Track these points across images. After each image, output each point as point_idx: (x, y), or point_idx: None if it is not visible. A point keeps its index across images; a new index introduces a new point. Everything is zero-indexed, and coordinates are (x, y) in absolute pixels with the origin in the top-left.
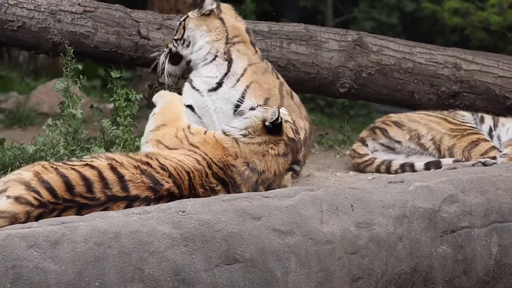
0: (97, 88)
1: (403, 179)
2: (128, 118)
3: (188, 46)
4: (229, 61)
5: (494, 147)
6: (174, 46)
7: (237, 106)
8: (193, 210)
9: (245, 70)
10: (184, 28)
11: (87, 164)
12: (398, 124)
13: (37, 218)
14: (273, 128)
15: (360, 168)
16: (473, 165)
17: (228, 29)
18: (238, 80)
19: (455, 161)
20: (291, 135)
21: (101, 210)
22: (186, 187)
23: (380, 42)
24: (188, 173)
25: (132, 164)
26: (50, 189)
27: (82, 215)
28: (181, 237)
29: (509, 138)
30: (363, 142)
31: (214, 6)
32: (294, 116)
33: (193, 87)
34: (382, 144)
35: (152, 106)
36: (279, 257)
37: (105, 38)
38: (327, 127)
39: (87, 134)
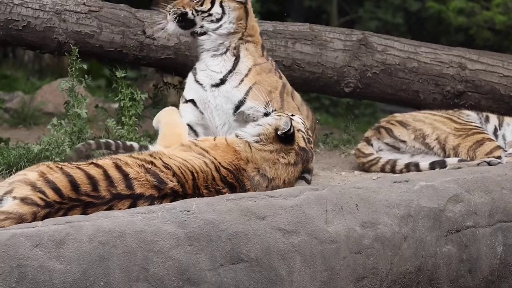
0: (102, 87)
1: (408, 178)
2: (133, 117)
3: (212, 21)
4: (237, 58)
5: (499, 147)
6: (192, 14)
7: (238, 107)
8: (198, 210)
9: (249, 70)
10: (213, 2)
11: (92, 163)
12: (403, 124)
13: (44, 218)
14: (285, 138)
15: (365, 168)
16: (478, 164)
17: (248, 26)
18: (241, 81)
19: (460, 161)
20: (302, 144)
21: (106, 209)
22: (190, 186)
23: (385, 42)
24: (192, 172)
25: (136, 163)
26: (56, 189)
27: (88, 213)
28: (186, 236)
29: None
30: (368, 141)
31: None
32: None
33: (197, 81)
34: (387, 144)
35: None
36: (284, 257)
37: (110, 37)
38: (332, 127)
39: (92, 133)
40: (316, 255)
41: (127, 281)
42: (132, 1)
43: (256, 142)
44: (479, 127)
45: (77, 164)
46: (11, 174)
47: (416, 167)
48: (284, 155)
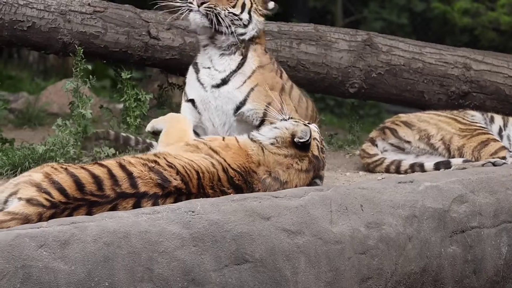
0: (106, 88)
1: (412, 179)
2: (138, 118)
3: (239, 26)
4: (244, 57)
5: (504, 147)
6: (225, 14)
7: (239, 107)
8: (203, 210)
9: (253, 72)
10: (243, 8)
11: (96, 163)
12: (407, 124)
13: (49, 219)
14: (301, 145)
15: (369, 168)
16: (482, 165)
17: (259, 29)
18: (244, 82)
19: (464, 161)
20: (316, 152)
21: (111, 207)
22: (194, 185)
23: (390, 42)
24: (197, 172)
25: (140, 162)
26: (61, 190)
27: (93, 213)
28: (190, 237)
29: None
30: (373, 142)
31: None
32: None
33: (199, 80)
34: (391, 144)
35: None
36: (288, 257)
37: (115, 38)
38: (337, 127)
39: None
40: (321, 255)
41: (131, 282)
42: (137, 1)
43: (272, 144)
44: (484, 128)
45: (81, 165)
46: (16, 175)
47: (421, 167)
48: (298, 161)
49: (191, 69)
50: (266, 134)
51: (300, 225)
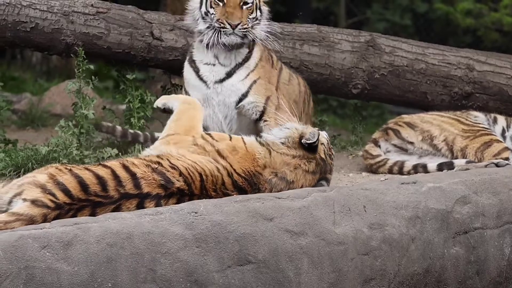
0: (109, 89)
1: (415, 180)
2: (141, 119)
3: (257, 25)
4: (250, 51)
5: (507, 148)
6: (252, 27)
7: (240, 100)
8: (206, 211)
9: (256, 65)
10: (256, 6)
11: (100, 164)
12: (410, 125)
13: (53, 220)
14: (308, 147)
15: (372, 169)
16: (486, 166)
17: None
18: (248, 75)
19: (467, 162)
20: (322, 156)
21: (114, 208)
22: (197, 186)
23: (393, 43)
24: (200, 174)
25: (143, 163)
26: (66, 191)
27: (96, 213)
28: (193, 238)
29: None
30: (376, 143)
31: None
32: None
33: (200, 78)
34: (394, 145)
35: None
36: (291, 258)
37: (118, 39)
38: (340, 128)
39: (100, 135)
40: (324, 256)
41: (134, 283)
42: (140, 2)
43: (283, 144)
44: (487, 129)
45: (85, 166)
46: (19, 176)
47: (424, 168)
48: (306, 162)
49: (188, 68)
50: (276, 134)
51: (303, 226)
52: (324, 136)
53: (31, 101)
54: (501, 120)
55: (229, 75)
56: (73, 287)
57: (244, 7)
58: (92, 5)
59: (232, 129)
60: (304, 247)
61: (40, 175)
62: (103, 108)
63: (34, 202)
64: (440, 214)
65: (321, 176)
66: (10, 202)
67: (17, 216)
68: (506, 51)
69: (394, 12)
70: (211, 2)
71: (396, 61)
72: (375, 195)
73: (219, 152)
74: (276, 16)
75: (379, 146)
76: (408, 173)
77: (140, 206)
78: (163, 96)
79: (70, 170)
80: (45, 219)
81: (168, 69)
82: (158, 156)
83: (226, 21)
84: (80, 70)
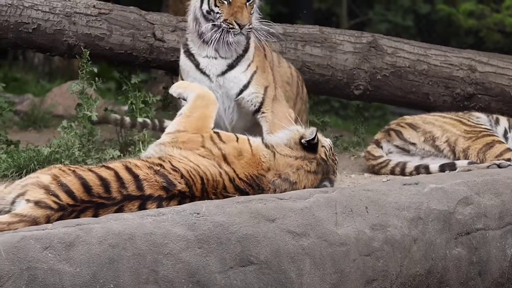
0: (112, 90)
1: (417, 181)
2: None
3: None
4: (247, 42)
5: (509, 149)
6: (254, 26)
7: (242, 90)
8: (208, 212)
9: (253, 55)
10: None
11: (103, 166)
12: (412, 126)
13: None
14: (308, 146)
15: (374, 170)
16: (488, 167)
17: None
18: (248, 66)
19: (470, 163)
20: (323, 156)
21: (117, 209)
22: (198, 189)
23: (395, 44)
24: (202, 178)
25: (145, 165)
26: (69, 192)
27: (99, 214)
28: (195, 239)
29: None
30: (378, 144)
31: None
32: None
33: (202, 71)
34: (396, 146)
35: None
36: (293, 259)
37: (120, 40)
38: (342, 129)
39: (102, 136)
40: (326, 257)
41: (136, 284)
42: (142, 3)
43: (285, 145)
44: (489, 130)
45: (89, 167)
46: (21, 177)
47: (426, 169)
48: (308, 163)
49: (186, 60)
50: (280, 136)
51: (305, 227)
52: (326, 140)
53: (33, 102)
54: (503, 121)
55: (231, 67)
56: None
57: (247, 3)
58: (94, 6)
59: (233, 120)
60: (306, 248)
61: (44, 176)
62: (105, 109)
63: (37, 203)
64: (442, 215)
65: (324, 176)
66: (13, 203)
67: (21, 217)
68: (508, 52)
69: (396, 13)
70: (215, 0)
71: (398, 62)
72: (377, 196)
73: (224, 157)
74: (278, 17)
75: (381, 147)
76: (410, 174)
77: (142, 207)
78: (179, 84)
79: (74, 171)
80: (48, 221)
81: (170, 70)
82: (160, 158)
83: (235, 22)
84: (84, 71)
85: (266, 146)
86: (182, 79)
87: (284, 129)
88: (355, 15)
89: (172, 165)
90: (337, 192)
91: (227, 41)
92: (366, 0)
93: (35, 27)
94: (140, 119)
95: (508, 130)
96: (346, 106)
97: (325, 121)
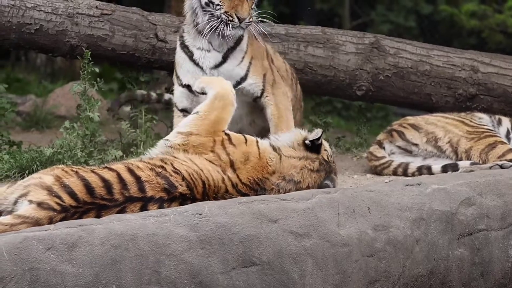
0: (114, 91)
1: (420, 181)
2: (148, 122)
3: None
4: (242, 34)
5: (511, 150)
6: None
7: (239, 83)
8: (210, 213)
9: (247, 45)
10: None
11: (105, 167)
12: (415, 127)
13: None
14: (312, 147)
15: (377, 171)
16: (490, 167)
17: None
18: (243, 58)
19: (472, 164)
20: (325, 158)
21: (119, 211)
22: (199, 191)
23: (397, 45)
24: (203, 182)
25: (147, 167)
26: (72, 193)
27: (101, 216)
28: (198, 239)
29: None
30: (380, 144)
31: None
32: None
33: (195, 62)
34: (399, 147)
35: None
36: (296, 260)
37: (122, 41)
38: (344, 130)
39: (104, 137)
40: (328, 258)
41: (139, 284)
42: (144, 4)
43: (290, 147)
44: (492, 130)
45: (91, 168)
46: (23, 177)
47: (428, 170)
48: (311, 162)
49: (181, 53)
50: (284, 138)
51: (308, 227)
52: (327, 145)
53: (35, 103)
54: (506, 121)
55: (224, 59)
56: None
57: None
58: (96, 7)
59: None
60: (308, 248)
61: (46, 177)
62: (107, 110)
63: (40, 204)
64: (445, 215)
65: (326, 175)
66: (15, 203)
67: (23, 219)
68: (510, 53)
69: (399, 13)
70: None
71: (400, 62)
72: (380, 196)
73: (232, 163)
74: (280, 18)
75: (384, 148)
76: (413, 174)
77: (143, 209)
78: (203, 78)
79: (76, 172)
80: (50, 222)
81: (172, 71)
82: (162, 160)
83: (236, 15)
84: (86, 72)
85: (274, 148)
86: (176, 72)
87: (288, 131)
88: (357, 16)
89: (173, 167)
90: (340, 192)
91: (224, 33)
92: (368, 0)
93: (37, 27)
94: (166, 96)
95: (510, 130)
96: (349, 107)
97: (328, 122)
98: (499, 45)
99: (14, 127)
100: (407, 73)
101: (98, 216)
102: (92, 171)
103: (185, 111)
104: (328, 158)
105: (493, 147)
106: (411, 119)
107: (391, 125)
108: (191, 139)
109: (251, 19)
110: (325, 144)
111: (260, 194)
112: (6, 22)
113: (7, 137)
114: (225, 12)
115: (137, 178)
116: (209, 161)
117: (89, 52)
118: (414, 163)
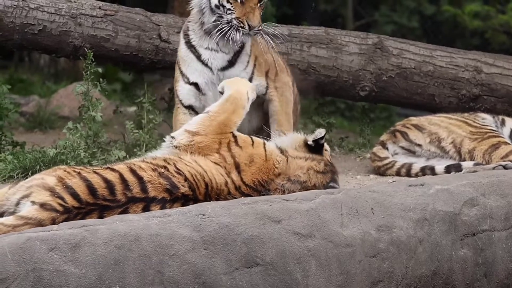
0: (117, 91)
1: (423, 182)
2: (150, 122)
3: None
4: None
5: None
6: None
7: None
8: (214, 213)
9: (251, 47)
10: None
11: (108, 168)
12: (418, 127)
13: None
14: (315, 147)
15: (380, 171)
16: (493, 168)
17: None
18: (248, 62)
19: (475, 164)
20: (328, 158)
21: (121, 211)
22: (201, 192)
23: (401, 46)
24: (206, 183)
25: (149, 167)
26: (74, 194)
27: (104, 217)
28: (201, 240)
29: None
30: (384, 145)
31: None
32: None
33: (203, 62)
34: (402, 147)
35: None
36: (299, 260)
37: (125, 41)
38: (347, 130)
39: (107, 137)
40: (332, 258)
41: (142, 285)
42: (147, 5)
43: (294, 149)
44: (495, 131)
45: (93, 169)
46: (26, 178)
47: (432, 170)
48: (317, 163)
49: (187, 51)
50: (288, 140)
51: (311, 228)
52: (328, 148)
53: (39, 104)
54: (509, 122)
55: (231, 63)
56: None
57: (259, 4)
58: (99, 8)
59: None
60: (312, 249)
61: (49, 178)
62: (114, 111)
63: (43, 205)
64: (448, 216)
65: (332, 177)
66: (17, 204)
67: (26, 220)
68: None
69: (402, 14)
70: None
71: (403, 63)
72: (383, 197)
73: (237, 165)
74: (283, 19)
75: (387, 148)
76: (416, 175)
77: (146, 209)
78: (229, 80)
79: (79, 173)
80: (53, 223)
81: None
82: (165, 160)
83: (247, 22)
84: (88, 72)
85: (281, 151)
86: (180, 69)
87: (288, 132)
88: (361, 17)
89: (176, 167)
90: (343, 193)
91: (233, 38)
92: (371, 1)
93: (40, 28)
94: None
95: None
96: (352, 108)
97: (331, 122)
98: (502, 45)
99: (17, 127)
100: (411, 74)
101: (100, 217)
102: (95, 172)
103: (191, 108)
104: (330, 159)
105: (496, 148)
106: (414, 120)
107: (395, 125)
108: (197, 138)
109: (260, 27)
110: (326, 145)
111: (263, 195)
112: (9, 22)
113: (11, 138)
114: (237, 18)
115: (140, 179)
116: (214, 162)
117: (92, 53)
118: (418, 163)
